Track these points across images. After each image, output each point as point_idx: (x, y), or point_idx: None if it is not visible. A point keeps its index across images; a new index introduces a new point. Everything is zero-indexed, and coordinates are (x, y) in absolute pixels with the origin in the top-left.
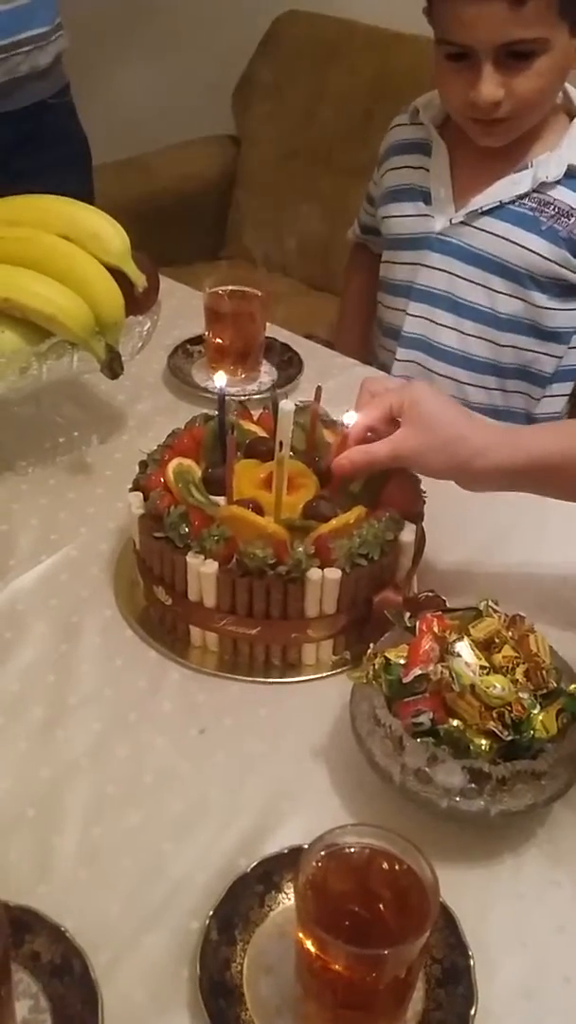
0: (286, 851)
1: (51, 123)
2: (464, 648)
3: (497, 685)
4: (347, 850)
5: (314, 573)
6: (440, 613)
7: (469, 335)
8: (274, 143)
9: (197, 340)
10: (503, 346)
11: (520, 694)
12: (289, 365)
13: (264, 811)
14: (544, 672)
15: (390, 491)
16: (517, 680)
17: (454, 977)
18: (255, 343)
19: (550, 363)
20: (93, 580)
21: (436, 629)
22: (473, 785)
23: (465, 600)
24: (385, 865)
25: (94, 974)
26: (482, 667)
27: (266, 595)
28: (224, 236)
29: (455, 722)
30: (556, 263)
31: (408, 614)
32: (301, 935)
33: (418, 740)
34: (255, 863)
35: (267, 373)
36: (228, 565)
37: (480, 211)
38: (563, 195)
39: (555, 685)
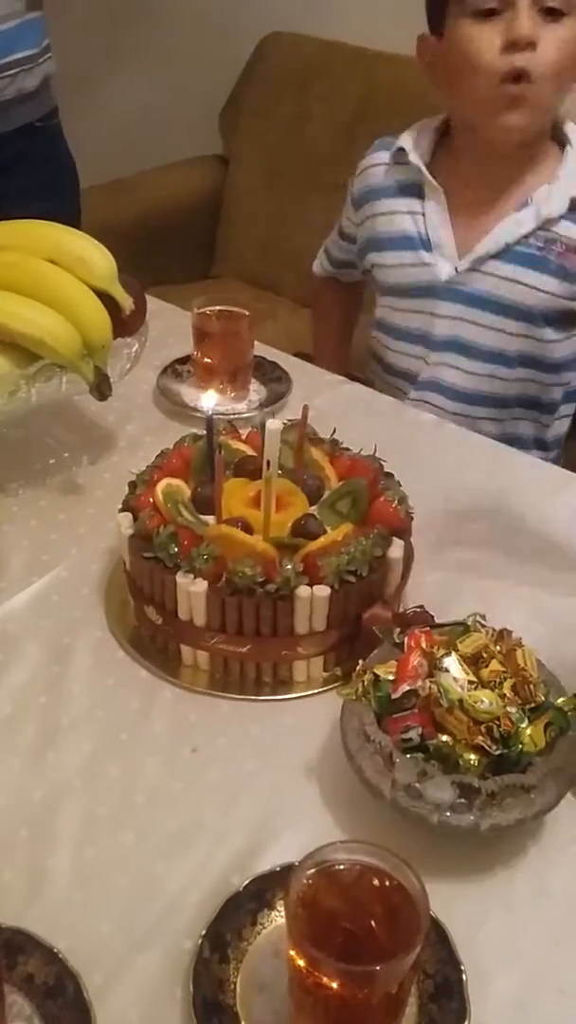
0: (278, 869)
1: (38, 146)
2: (452, 663)
3: (485, 700)
4: (337, 867)
5: (303, 590)
6: (428, 629)
7: (480, 375)
8: (261, 162)
9: (186, 360)
10: (512, 381)
11: (508, 708)
12: (278, 383)
13: (257, 829)
14: (532, 686)
15: (377, 508)
16: (505, 694)
17: (447, 992)
18: (243, 362)
19: (558, 391)
20: (84, 601)
21: (424, 645)
22: (463, 800)
23: (453, 615)
24: (376, 881)
25: (87, 995)
26: (470, 682)
27: (256, 613)
28: (213, 255)
29: (444, 737)
30: (566, 299)
31: (397, 630)
32: (292, 952)
33: (408, 756)
34: (247, 881)
35: (256, 392)
36: (217, 584)
37: (487, 256)
38: (568, 230)
39: (543, 699)
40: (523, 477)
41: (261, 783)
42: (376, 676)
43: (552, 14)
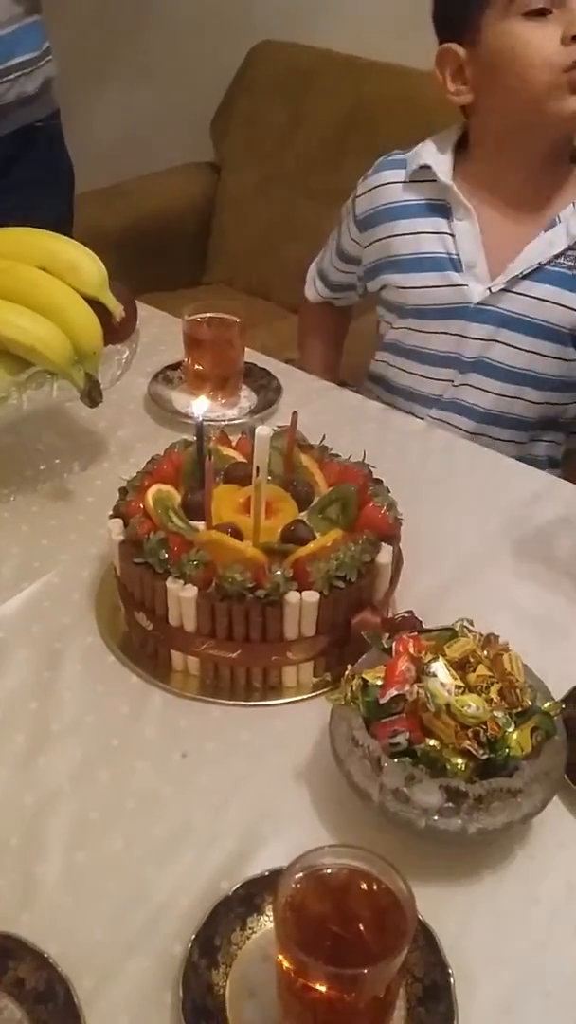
0: (267, 873)
1: (38, 145)
2: (439, 668)
3: (472, 704)
4: (325, 871)
5: (292, 596)
6: (416, 634)
7: (505, 396)
8: (253, 170)
9: (177, 366)
10: (536, 403)
11: (495, 713)
12: (268, 390)
13: (246, 834)
14: (518, 690)
15: (367, 514)
16: (492, 699)
17: (434, 995)
18: (234, 369)
19: (573, 409)
20: (75, 607)
21: (412, 650)
22: (450, 804)
23: (441, 620)
24: (363, 885)
25: (78, 1000)
26: (457, 687)
27: (245, 619)
28: (205, 262)
29: (431, 742)
30: None
31: (385, 635)
32: (281, 956)
33: (395, 760)
34: (237, 886)
35: (246, 398)
36: (207, 590)
37: (520, 276)
38: None
39: (529, 703)
40: (512, 482)
41: (250, 788)
42: (364, 681)
43: None
